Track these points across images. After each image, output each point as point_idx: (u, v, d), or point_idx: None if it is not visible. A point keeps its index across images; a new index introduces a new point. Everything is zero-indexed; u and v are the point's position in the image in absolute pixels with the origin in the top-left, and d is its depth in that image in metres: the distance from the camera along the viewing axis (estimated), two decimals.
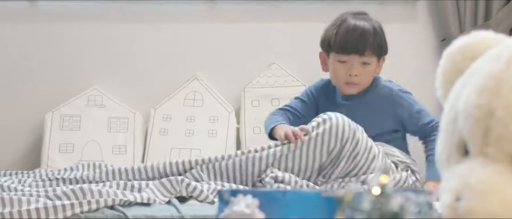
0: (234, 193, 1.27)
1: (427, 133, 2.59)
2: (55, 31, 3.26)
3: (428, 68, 3.14)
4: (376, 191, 0.84)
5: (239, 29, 3.37)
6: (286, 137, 2.42)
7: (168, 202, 2.19)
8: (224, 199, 1.28)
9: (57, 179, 2.48)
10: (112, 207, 2.07)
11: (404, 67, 3.33)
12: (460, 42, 1.31)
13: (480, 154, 1.13)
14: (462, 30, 3.21)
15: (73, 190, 2.11)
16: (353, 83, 2.62)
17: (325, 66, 2.72)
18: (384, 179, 0.83)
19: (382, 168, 0.82)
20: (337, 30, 2.60)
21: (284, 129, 2.50)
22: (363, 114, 2.56)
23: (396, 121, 2.63)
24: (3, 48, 3.25)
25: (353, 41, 2.57)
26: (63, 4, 3.25)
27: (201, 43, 3.35)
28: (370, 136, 2.49)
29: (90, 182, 2.38)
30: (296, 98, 2.83)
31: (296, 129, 2.45)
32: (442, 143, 1.24)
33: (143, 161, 3.11)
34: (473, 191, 1.09)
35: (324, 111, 2.50)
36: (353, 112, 2.52)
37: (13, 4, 3.23)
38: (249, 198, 1.22)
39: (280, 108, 2.80)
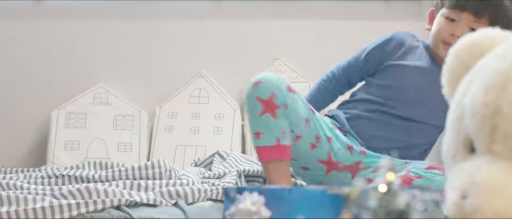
0: (240, 190, 1.27)
1: None
2: (60, 29, 3.27)
3: None
4: (383, 188, 0.83)
5: (243, 26, 3.37)
6: None
7: (175, 204, 2.18)
8: (230, 197, 1.28)
9: (62, 176, 2.47)
10: (118, 207, 2.06)
11: None
12: (466, 40, 1.31)
13: (487, 152, 1.13)
14: None
15: (79, 190, 2.11)
16: (451, 45, 2.26)
17: (430, 25, 2.41)
18: (390, 176, 0.83)
19: (388, 165, 0.82)
20: None
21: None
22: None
23: None
24: (8, 46, 3.25)
25: None
26: (68, 2, 3.25)
27: (206, 41, 3.35)
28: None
29: (96, 181, 2.38)
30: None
31: None
32: (448, 140, 1.23)
33: (148, 159, 3.11)
34: (480, 189, 1.08)
35: (397, 62, 2.36)
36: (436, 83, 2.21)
37: (19, 3, 3.23)
38: (255, 196, 1.21)
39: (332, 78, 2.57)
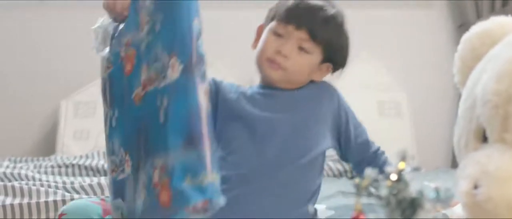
0: None
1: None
2: (69, 18, 3.26)
3: (445, 54, 3.13)
4: (394, 177, 0.83)
5: (249, 16, 3.35)
6: None
7: None
8: None
9: (72, 165, 2.48)
10: None
11: (421, 53, 3.31)
12: (478, 28, 1.30)
13: (499, 141, 1.12)
14: (479, 16, 3.18)
15: (91, 186, 2.11)
16: (276, 63, 1.82)
17: (256, 42, 1.93)
18: (401, 165, 0.82)
19: (400, 154, 0.81)
20: None
21: None
22: (293, 107, 1.83)
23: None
24: (18, 36, 3.25)
25: (300, 10, 1.84)
26: None
27: (212, 32, 3.33)
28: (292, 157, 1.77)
29: (105, 172, 2.38)
30: None
31: None
32: (460, 129, 1.23)
33: None
34: (492, 178, 1.08)
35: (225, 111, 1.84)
36: (274, 104, 1.83)
37: None
38: None
39: None
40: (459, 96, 1.27)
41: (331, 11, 1.83)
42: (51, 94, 3.20)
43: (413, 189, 0.82)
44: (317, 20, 1.82)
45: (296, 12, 1.82)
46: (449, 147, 2.82)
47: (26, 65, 3.24)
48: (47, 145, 3.20)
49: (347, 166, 2.60)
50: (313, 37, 1.80)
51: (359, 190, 0.84)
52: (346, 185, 2.41)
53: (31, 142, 3.24)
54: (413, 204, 0.82)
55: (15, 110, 3.24)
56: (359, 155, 1.84)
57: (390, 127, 3.15)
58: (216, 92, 1.84)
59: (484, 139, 1.16)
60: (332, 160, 2.61)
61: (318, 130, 1.80)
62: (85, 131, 3.08)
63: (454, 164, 2.95)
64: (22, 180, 2.23)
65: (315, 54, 1.81)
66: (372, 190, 0.83)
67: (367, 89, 3.21)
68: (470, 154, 1.17)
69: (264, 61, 1.83)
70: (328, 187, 2.35)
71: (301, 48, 1.80)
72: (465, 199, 1.10)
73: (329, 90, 1.89)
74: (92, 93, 3.15)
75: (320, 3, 1.84)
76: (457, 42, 1.34)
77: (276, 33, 1.83)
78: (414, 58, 3.23)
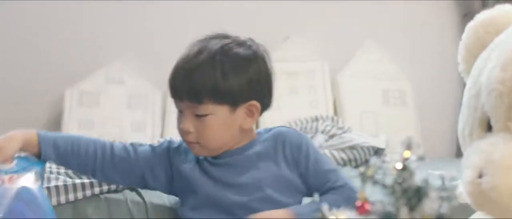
0: None
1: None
2: (74, 7, 3.26)
3: (450, 43, 3.13)
4: (399, 165, 0.83)
5: (254, 3, 3.35)
6: None
7: None
8: None
9: None
10: (133, 189, 2.06)
11: (426, 42, 3.31)
12: (483, 16, 1.30)
13: (504, 129, 1.12)
14: (484, 5, 3.17)
15: None
16: (189, 143, 1.68)
17: None
18: (407, 153, 0.82)
19: (406, 142, 0.81)
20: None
21: None
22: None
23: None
24: (22, 24, 3.25)
25: (174, 79, 1.69)
26: None
27: (217, 19, 3.34)
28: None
29: None
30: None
31: None
32: (464, 118, 1.23)
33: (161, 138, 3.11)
34: (496, 167, 1.08)
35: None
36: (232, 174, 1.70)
37: None
38: None
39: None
40: (463, 85, 1.27)
41: (201, 59, 1.67)
42: (56, 83, 3.19)
43: (418, 178, 0.82)
44: (192, 82, 1.64)
45: (171, 84, 1.68)
46: (454, 136, 2.82)
47: (30, 54, 3.24)
48: None
49: (351, 155, 2.60)
50: (197, 101, 1.63)
51: (364, 179, 0.84)
52: (350, 172, 2.42)
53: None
54: (419, 193, 0.82)
55: (19, 99, 3.24)
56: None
57: (394, 115, 3.15)
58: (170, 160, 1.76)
59: (489, 127, 1.17)
60: (336, 149, 2.61)
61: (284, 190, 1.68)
62: (89, 120, 3.09)
63: (458, 153, 2.95)
64: None
65: (218, 110, 1.63)
66: (377, 178, 0.83)
67: (372, 78, 3.21)
68: (474, 143, 1.17)
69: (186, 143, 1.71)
70: None
71: (198, 116, 1.63)
72: (470, 188, 1.10)
73: (286, 140, 1.70)
74: (97, 83, 3.15)
75: (190, 58, 1.69)
76: (462, 31, 1.34)
77: (178, 111, 1.71)
78: (419, 47, 3.22)
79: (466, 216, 1.25)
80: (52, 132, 1.81)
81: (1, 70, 3.23)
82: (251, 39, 1.83)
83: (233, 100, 1.64)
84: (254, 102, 1.66)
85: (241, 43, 1.77)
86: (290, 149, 1.69)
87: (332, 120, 2.90)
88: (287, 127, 1.82)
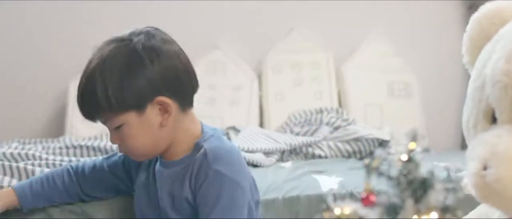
0: None
1: None
2: (81, 4, 3.27)
3: (454, 35, 3.12)
4: (404, 157, 0.83)
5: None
6: None
7: None
8: None
9: (81, 146, 2.49)
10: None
11: (431, 35, 3.30)
12: (487, 7, 1.30)
13: (509, 121, 1.12)
14: None
15: None
16: (123, 153, 1.73)
17: None
18: (412, 145, 0.82)
19: (411, 133, 0.81)
20: None
21: None
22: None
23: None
24: (27, 17, 3.25)
25: (77, 102, 1.66)
26: None
27: (222, 11, 3.33)
28: None
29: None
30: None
31: None
32: (469, 110, 1.22)
33: None
34: (501, 159, 1.07)
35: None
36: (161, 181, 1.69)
37: None
38: None
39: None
40: (468, 77, 1.27)
41: (90, 75, 1.65)
42: (60, 76, 3.20)
43: (423, 169, 0.82)
44: (85, 105, 1.62)
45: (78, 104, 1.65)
46: (459, 128, 2.82)
47: (35, 46, 3.25)
48: (56, 126, 3.21)
49: (356, 147, 2.60)
50: (101, 119, 1.62)
51: (369, 170, 0.84)
52: (355, 164, 2.43)
53: (40, 124, 3.25)
54: (424, 184, 0.82)
55: (24, 92, 3.24)
56: None
57: (400, 107, 3.15)
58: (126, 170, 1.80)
59: (493, 119, 1.16)
60: (340, 141, 2.61)
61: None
62: None
63: (463, 145, 2.95)
64: (28, 159, 2.25)
65: (126, 118, 1.59)
66: (383, 170, 0.83)
67: (377, 70, 3.21)
68: (479, 135, 1.16)
69: None
70: (337, 166, 2.36)
71: (116, 128, 1.61)
72: (474, 180, 1.10)
73: (197, 170, 1.61)
74: None
75: (82, 77, 1.69)
76: (467, 23, 1.34)
77: None
78: (424, 39, 3.22)
79: (472, 207, 1.25)
80: (26, 180, 1.84)
81: (6, 64, 3.24)
82: (148, 33, 1.82)
83: (134, 104, 1.58)
84: (162, 98, 1.59)
85: (136, 43, 1.73)
86: (199, 183, 1.60)
87: (337, 111, 2.90)
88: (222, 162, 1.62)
